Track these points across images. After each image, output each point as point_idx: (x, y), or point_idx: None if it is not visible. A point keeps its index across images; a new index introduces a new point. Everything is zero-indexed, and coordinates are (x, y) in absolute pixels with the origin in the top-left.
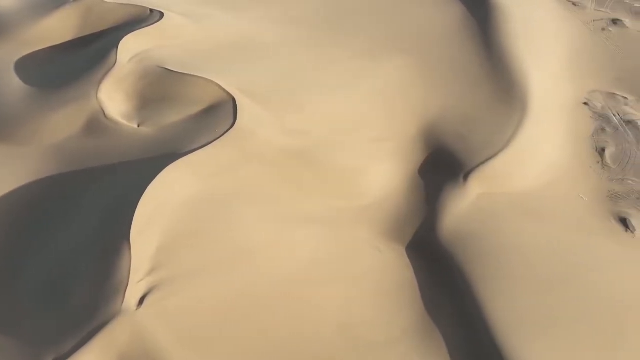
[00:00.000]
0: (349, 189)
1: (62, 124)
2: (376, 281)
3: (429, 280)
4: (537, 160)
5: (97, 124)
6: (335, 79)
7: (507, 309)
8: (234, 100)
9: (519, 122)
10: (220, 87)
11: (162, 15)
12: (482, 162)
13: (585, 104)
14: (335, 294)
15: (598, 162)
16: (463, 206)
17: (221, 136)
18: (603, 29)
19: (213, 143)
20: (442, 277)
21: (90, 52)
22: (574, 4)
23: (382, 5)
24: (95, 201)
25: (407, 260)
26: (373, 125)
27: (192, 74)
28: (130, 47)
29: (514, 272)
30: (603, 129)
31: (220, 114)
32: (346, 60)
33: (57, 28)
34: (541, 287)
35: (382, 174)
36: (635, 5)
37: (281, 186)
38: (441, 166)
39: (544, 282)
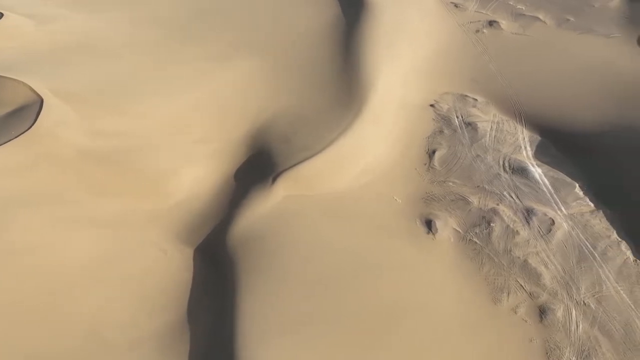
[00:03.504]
0: (152, 190)
1: None
2: (148, 283)
3: (205, 281)
4: (360, 161)
5: None
6: (176, 80)
7: (261, 309)
8: (41, 101)
9: (349, 124)
10: (30, 88)
11: (1, 15)
12: (293, 165)
13: (432, 105)
14: (95, 298)
15: (425, 164)
16: (266, 208)
17: (14, 138)
18: (477, 31)
19: (3, 145)
20: (218, 278)
21: None
22: (455, 5)
23: (251, 6)
24: None
25: (191, 262)
26: (200, 127)
27: (2, 75)
28: None
29: (290, 273)
30: (441, 131)
31: (24, 115)
32: (194, 61)
33: None
34: (316, 287)
35: (196, 175)
36: (518, 7)
37: (72, 188)
38: (257, 168)
39: (321, 283)
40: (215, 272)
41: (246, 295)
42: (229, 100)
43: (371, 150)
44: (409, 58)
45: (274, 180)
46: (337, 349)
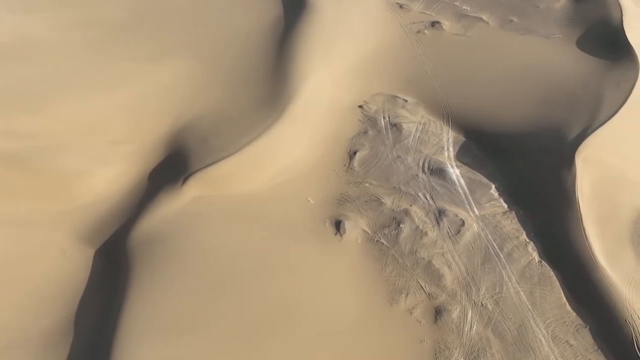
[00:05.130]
0: (60, 191)
1: None
2: (43, 284)
3: (100, 282)
4: (277, 162)
5: None
6: (100, 81)
7: (148, 311)
8: None
9: (269, 125)
10: None
11: None
12: (205, 166)
13: (360, 106)
14: None
15: (345, 165)
16: (174, 209)
17: None
18: (418, 32)
19: None
20: (113, 278)
21: None
22: (400, 5)
23: (192, 7)
24: None
25: (90, 262)
26: (118, 128)
27: None
28: None
29: (186, 275)
30: (366, 132)
31: None
32: (122, 62)
33: None
34: (211, 289)
35: (108, 176)
36: (463, 8)
37: None
38: (172, 169)
39: (217, 285)
40: (112, 273)
41: (135, 296)
42: (153, 100)
43: (290, 151)
44: (344, 59)
45: (185, 181)
46: (220, 353)
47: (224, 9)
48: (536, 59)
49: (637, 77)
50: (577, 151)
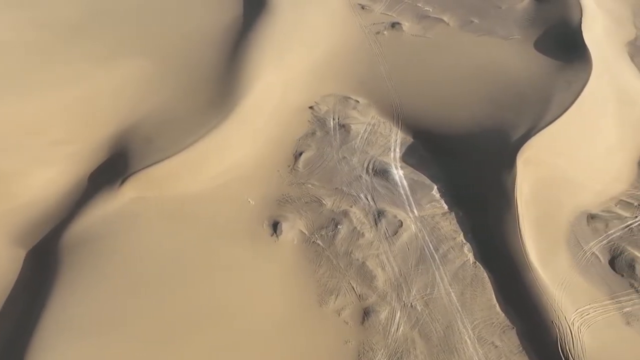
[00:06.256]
0: None
1: None
2: None
3: (27, 281)
4: (219, 163)
5: None
6: (50, 82)
7: (70, 310)
8: None
9: (214, 126)
10: None
11: None
12: (145, 167)
13: (311, 107)
14: None
15: (289, 166)
16: (110, 209)
17: None
18: (378, 33)
19: None
20: (42, 279)
21: None
22: (362, 7)
23: (153, 7)
24: None
25: (21, 263)
26: (63, 128)
27: None
28: None
29: (114, 275)
30: (314, 133)
31: None
32: (73, 62)
33: None
34: (136, 289)
35: (47, 177)
36: (425, 9)
37: None
38: (113, 169)
39: (143, 285)
40: (40, 273)
41: (58, 296)
42: (100, 101)
43: (234, 152)
44: (300, 60)
45: (123, 182)
46: (136, 353)
47: (183, 9)
48: (491, 59)
49: (588, 78)
50: (518, 152)
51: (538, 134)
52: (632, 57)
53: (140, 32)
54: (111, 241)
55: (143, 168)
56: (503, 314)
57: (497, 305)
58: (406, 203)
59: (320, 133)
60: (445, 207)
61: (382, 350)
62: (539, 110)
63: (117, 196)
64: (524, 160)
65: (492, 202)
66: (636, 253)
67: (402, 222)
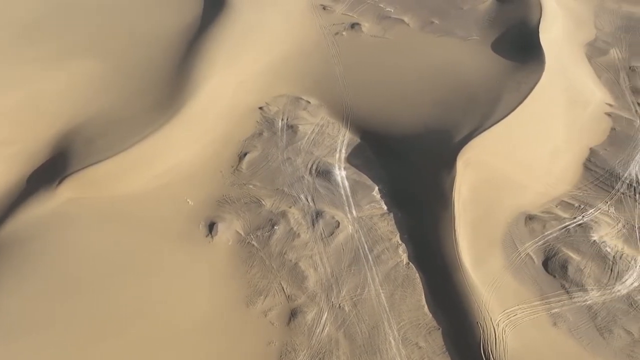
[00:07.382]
0: None
1: None
2: None
3: None
4: (161, 163)
5: None
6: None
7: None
8: None
9: (158, 126)
10: None
11: None
12: (84, 167)
13: (260, 108)
14: None
15: (232, 167)
16: (45, 210)
17: None
18: (336, 33)
19: None
20: None
21: None
22: (324, 7)
23: (111, 7)
24: None
25: None
26: (4, 130)
27: None
28: None
29: (43, 276)
30: (261, 134)
31: None
32: (24, 64)
33: None
34: (61, 289)
35: None
36: (387, 9)
37: None
38: (53, 170)
39: (68, 285)
40: None
41: None
42: (48, 101)
43: (177, 152)
44: (255, 60)
45: (60, 182)
46: (58, 354)
47: (142, 10)
48: (447, 60)
49: (539, 79)
50: (459, 154)
51: (480, 135)
52: (590, 58)
53: (95, 33)
54: (42, 242)
55: (81, 169)
56: (431, 315)
57: (426, 306)
58: (346, 204)
59: (267, 134)
60: (385, 208)
61: (305, 351)
62: (487, 111)
63: (54, 197)
64: (464, 161)
65: (431, 203)
66: (570, 254)
67: (339, 223)
